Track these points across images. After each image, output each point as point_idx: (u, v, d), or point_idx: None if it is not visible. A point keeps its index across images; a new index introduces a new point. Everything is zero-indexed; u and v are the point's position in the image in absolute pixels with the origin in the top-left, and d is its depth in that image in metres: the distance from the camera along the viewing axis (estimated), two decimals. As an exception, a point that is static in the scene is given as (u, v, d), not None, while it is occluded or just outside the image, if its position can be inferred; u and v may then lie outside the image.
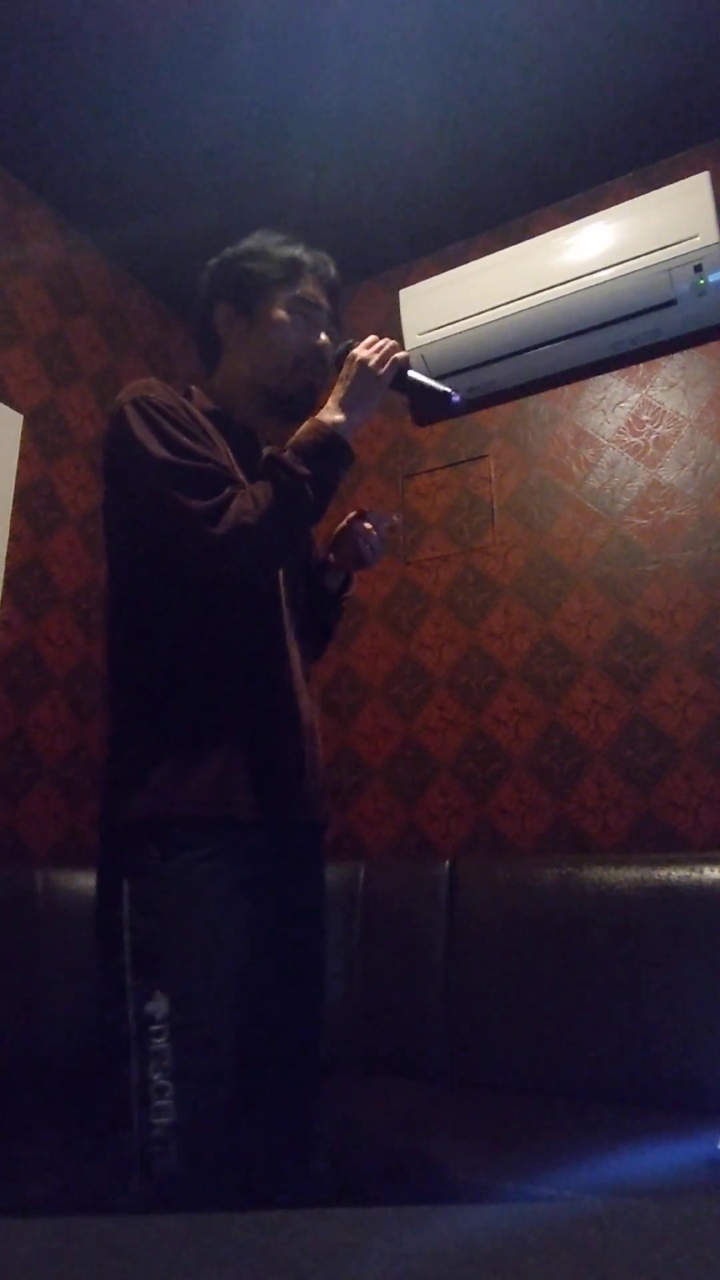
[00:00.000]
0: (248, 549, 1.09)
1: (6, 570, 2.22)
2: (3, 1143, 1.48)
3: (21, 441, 2.33)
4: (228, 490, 1.10)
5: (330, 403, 1.22)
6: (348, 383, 1.22)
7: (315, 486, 1.13)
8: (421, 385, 1.28)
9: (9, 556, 2.23)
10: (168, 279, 2.83)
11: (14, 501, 2.28)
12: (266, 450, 1.18)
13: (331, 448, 1.17)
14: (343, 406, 1.20)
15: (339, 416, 1.19)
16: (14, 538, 2.26)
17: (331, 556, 1.43)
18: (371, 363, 1.22)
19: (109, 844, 1.11)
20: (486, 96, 2.23)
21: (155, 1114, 0.96)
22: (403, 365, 1.25)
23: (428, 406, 1.32)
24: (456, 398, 1.26)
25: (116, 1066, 1.00)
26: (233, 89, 2.19)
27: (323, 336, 1.30)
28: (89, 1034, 1.74)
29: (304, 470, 1.13)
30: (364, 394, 1.22)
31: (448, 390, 1.27)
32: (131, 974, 1.01)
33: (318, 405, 1.26)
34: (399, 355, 1.24)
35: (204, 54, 2.09)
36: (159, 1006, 0.99)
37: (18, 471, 2.31)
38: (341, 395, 1.21)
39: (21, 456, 2.33)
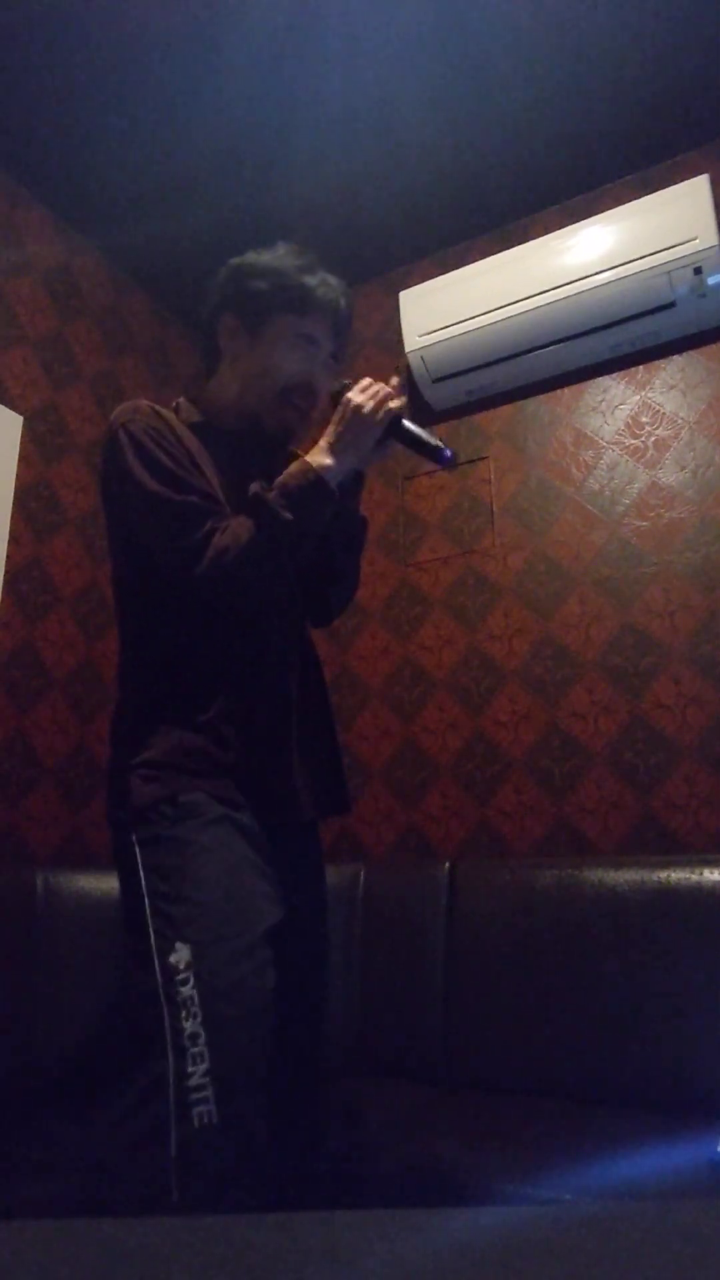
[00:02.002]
0: (227, 586, 1.13)
1: (6, 571, 2.21)
2: (3, 1143, 1.48)
3: (21, 443, 2.33)
4: (209, 525, 1.13)
5: (321, 443, 1.21)
6: (339, 427, 1.21)
7: (296, 530, 1.15)
8: (415, 436, 1.25)
9: (9, 558, 2.23)
10: (168, 281, 2.83)
11: (14, 503, 2.28)
12: (253, 488, 1.18)
13: (316, 492, 1.17)
14: (332, 450, 1.20)
15: (327, 460, 1.19)
16: (14, 539, 2.26)
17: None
18: (366, 410, 1.21)
19: (120, 830, 1.15)
20: (487, 98, 2.24)
21: (192, 1061, 0.98)
22: (397, 414, 1.23)
23: (419, 456, 1.30)
24: (449, 453, 1.23)
25: (153, 1032, 1.02)
26: (233, 90, 2.19)
27: (317, 375, 1.30)
28: (88, 1035, 1.75)
29: (286, 515, 1.14)
30: (355, 440, 1.21)
31: (440, 444, 1.24)
32: (155, 935, 1.06)
33: (310, 442, 1.27)
34: (394, 404, 1.22)
35: (204, 55, 2.10)
36: (181, 956, 1.02)
37: (17, 473, 2.31)
38: (332, 439, 1.21)
39: (21, 458, 2.33)
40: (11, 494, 2.27)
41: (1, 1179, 1.37)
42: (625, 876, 1.80)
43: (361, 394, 1.22)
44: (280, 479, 1.19)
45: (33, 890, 1.85)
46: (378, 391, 1.23)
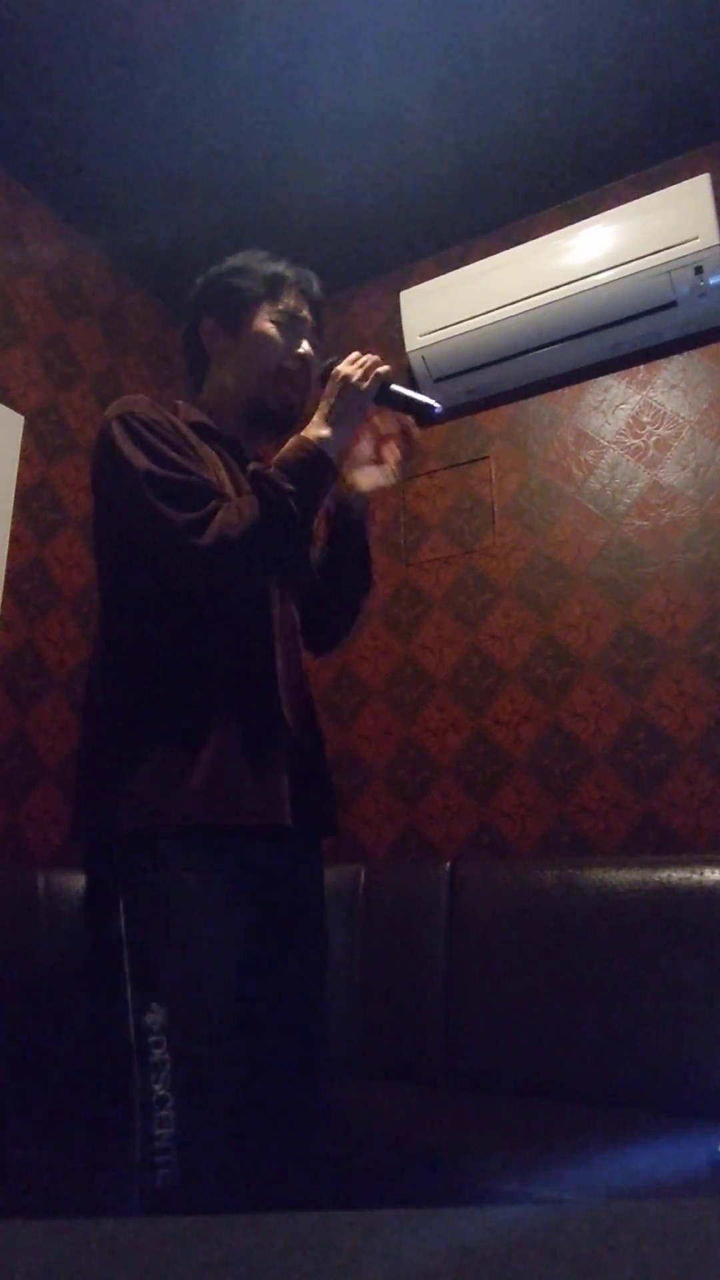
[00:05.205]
0: (231, 561, 1.11)
1: (7, 571, 2.21)
2: (2, 1145, 1.48)
3: (23, 443, 2.33)
4: (213, 503, 1.12)
5: (316, 418, 1.23)
6: (331, 399, 1.23)
7: (299, 502, 1.15)
8: (404, 397, 1.28)
9: (10, 558, 2.23)
10: (168, 280, 2.83)
11: (15, 503, 2.28)
12: (252, 466, 1.20)
13: (316, 464, 1.18)
14: (327, 422, 1.22)
15: (324, 432, 1.21)
16: (15, 539, 2.26)
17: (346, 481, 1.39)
18: (354, 378, 1.23)
19: (98, 856, 1.11)
20: (487, 98, 2.24)
21: (158, 1124, 0.97)
22: (385, 379, 1.25)
23: (412, 417, 1.32)
24: (438, 409, 1.26)
25: (120, 1078, 1.01)
26: (233, 90, 2.19)
27: (305, 346, 1.32)
28: (90, 1037, 1.75)
29: (289, 486, 1.14)
30: (347, 410, 1.23)
31: (429, 401, 1.27)
32: (131, 987, 1.03)
33: (303, 419, 1.27)
34: (381, 370, 1.25)
35: (204, 54, 2.10)
36: (156, 1018, 1.00)
37: (19, 473, 2.31)
38: (326, 411, 1.23)
39: (23, 458, 2.33)
40: (12, 494, 2.27)
41: (2, 1180, 1.37)
42: (625, 876, 1.80)
43: (350, 365, 1.25)
44: (279, 455, 1.20)
45: (34, 890, 1.85)
46: (365, 361, 1.25)
